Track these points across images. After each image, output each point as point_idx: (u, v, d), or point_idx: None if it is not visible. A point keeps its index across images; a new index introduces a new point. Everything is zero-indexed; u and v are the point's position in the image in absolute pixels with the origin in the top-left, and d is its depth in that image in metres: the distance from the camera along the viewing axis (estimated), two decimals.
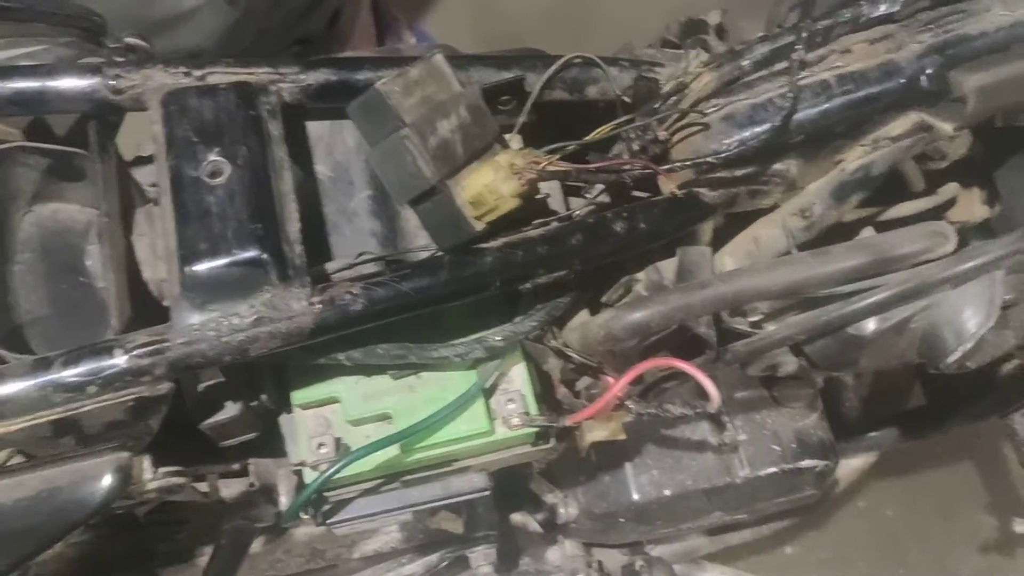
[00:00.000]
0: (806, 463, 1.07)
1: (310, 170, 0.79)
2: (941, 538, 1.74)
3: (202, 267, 0.65)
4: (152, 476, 0.68)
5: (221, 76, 0.72)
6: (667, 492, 1.06)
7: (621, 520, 1.09)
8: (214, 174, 0.67)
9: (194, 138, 0.68)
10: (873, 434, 1.32)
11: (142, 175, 0.81)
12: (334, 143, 0.80)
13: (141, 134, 0.75)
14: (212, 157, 0.67)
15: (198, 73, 0.73)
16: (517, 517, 1.26)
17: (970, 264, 0.73)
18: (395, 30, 1.92)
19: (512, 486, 1.14)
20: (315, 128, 0.80)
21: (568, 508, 1.11)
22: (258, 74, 0.73)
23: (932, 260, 0.76)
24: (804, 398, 1.10)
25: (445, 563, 1.17)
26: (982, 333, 0.77)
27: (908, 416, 1.33)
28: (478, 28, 2.08)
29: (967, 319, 0.77)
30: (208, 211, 0.66)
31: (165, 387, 0.66)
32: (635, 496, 1.06)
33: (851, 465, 1.37)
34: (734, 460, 1.07)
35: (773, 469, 1.06)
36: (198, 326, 0.65)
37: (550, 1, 2.10)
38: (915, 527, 1.76)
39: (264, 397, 0.77)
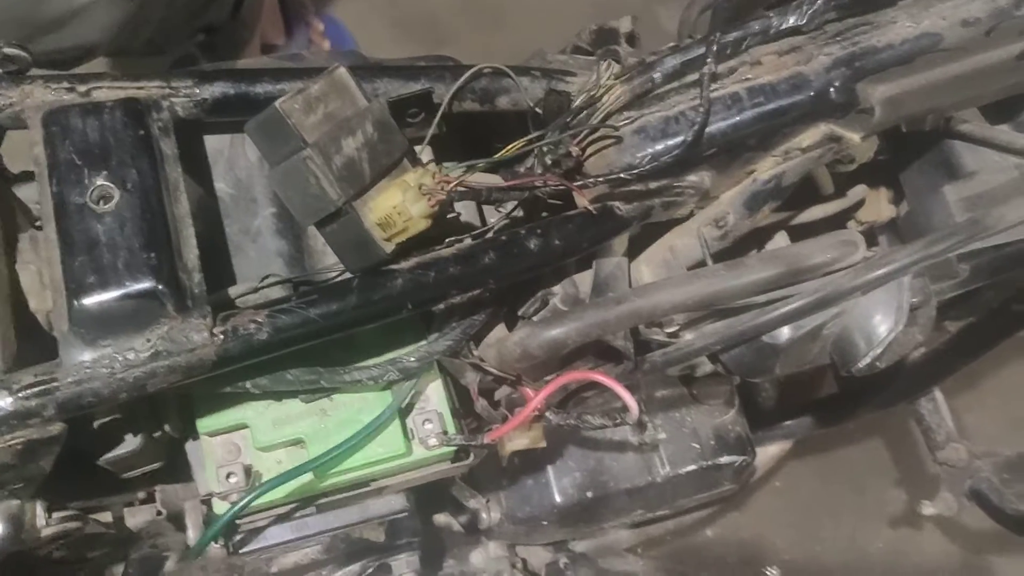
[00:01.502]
0: (725, 459, 1.09)
1: (210, 188, 0.75)
2: (853, 513, 1.80)
3: (92, 301, 0.61)
4: (46, 523, 0.64)
5: (108, 91, 0.68)
6: (589, 494, 1.06)
7: (544, 523, 1.09)
8: (101, 200, 0.63)
9: (78, 161, 0.63)
10: (788, 423, 1.35)
11: (29, 192, 0.76)
12: (235, 158, 0.76)
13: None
14: (99, 181, 0.63)
15: (82, 88, 0.68)
16: (440, 518, 1.25)
17: (879, 272, 0.74)
18: (303, 16, 1.85)
19: (435, 487, 1.13)
20: (214, 142, 0.76)
21: (490, 513, 1.11)
22: (148, 88, 0.69)
23: (843, 268, 0.76)
24: (722, 395, 1.11)
25: (367, 572, 1.15)
26: (891, 338, 0.78)
27: (821, 404, 1.36)
28: (390, 12, 2.03)
29: (877, 324, 0.79)
30: (96, 240, 0.62)
31: (56, 428, 0.62)
32: (558, 499, 1.06)
33: (768, 453, 1.40)
34: (655, 459, 1.08)
35: (693, 467, 1.07)
36: (89, 363, 0.61)
37: None
38: (829, 504, 1.81)
39: (168, 427, 0.74)
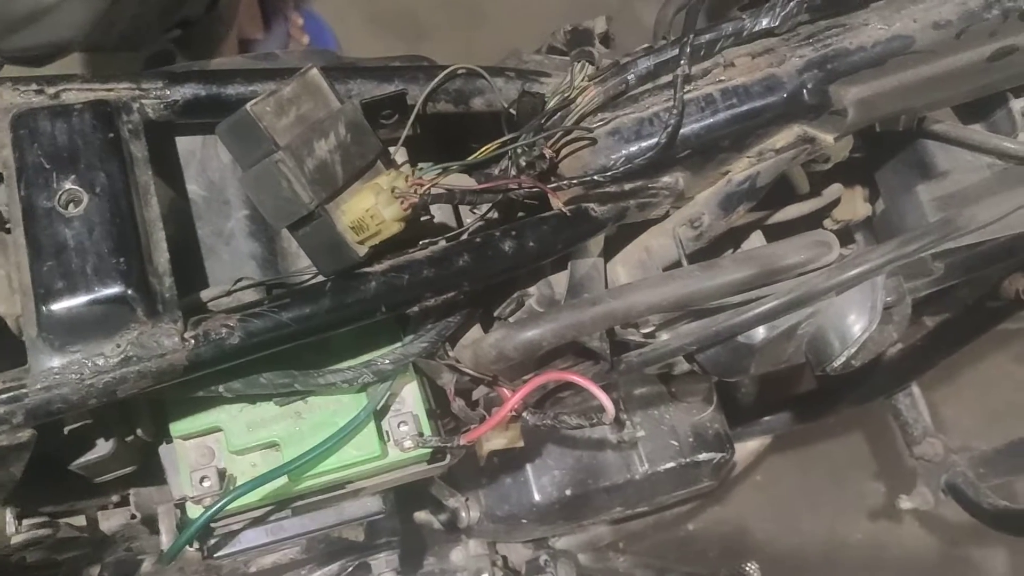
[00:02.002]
0: (703, 456, 1.09)
1: (182, 190, 0.74)
2: (833, 506, 1.82)
3: (60, 306, 0.60)
4: (16, 530, 0.64)
5: (77, 94, 0.67)
6: (568, 492, 1.07)
7: (523, 521, 1.09)
8: (70, 204, 0.62)
9: (47, 164, 0.63)
10: (767, 418, 1.36)
11: None
12: (207, 160, 0.75)
13: None
14: (67, 185, 0.62)
15: (51, 90, 0.67)
16: (421, 515, 1.25)
17: (852, 272, 0.74)
18: (282, 11, 1.84)
19: (415, 485, 1.13)
20: (186, 144, 0.75)
21: (470, 511, 1.11)
22: (118, 90, 0.68)
23: (817, 269, 0.77)
24: (700, 392, 1.11)
25: (347, 572, 1.15)
26: (865, 338, 0.79)
27: (800, 400, 1.37)
28: (370, 7, 2.02)
29: (851, 324, 0.79)
30: (65, 245, 0.61)
31: (26, 435, 0.62)
32: (536, 497, 1.07)
33: (747, 448, 1.41)
34: (633, 457, 1.08)
35: (671, 464, 1.08)
36: (58, 369, 0.60)
37: None
38: (809, 496, 1.82)
39: (140, 431, 0.73)
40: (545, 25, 1.04)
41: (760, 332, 0.79)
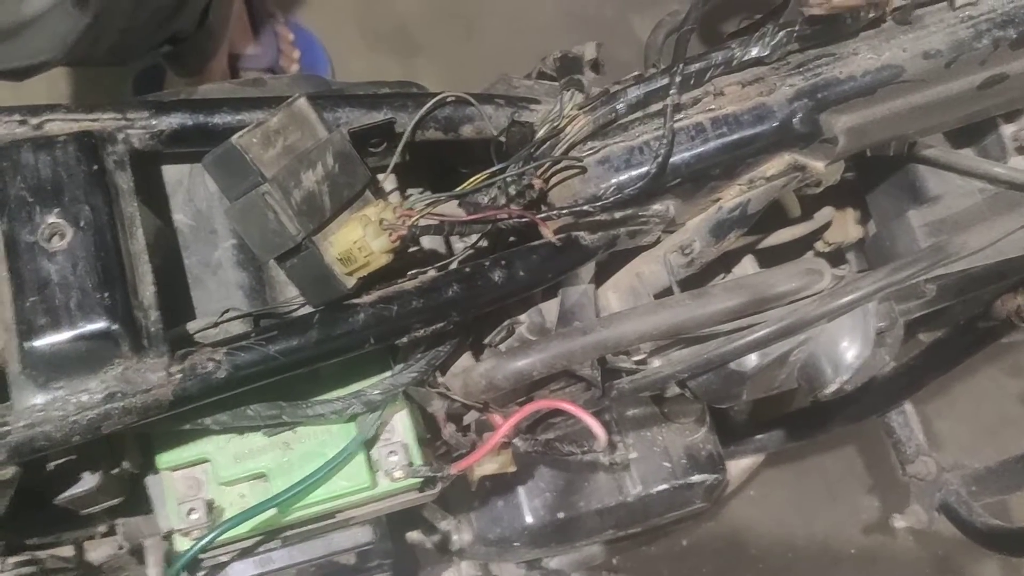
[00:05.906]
0: (696, 478, 1.08)
1: (168, 219, 0.73)
2: (827, 521, 1.81)
3: (43, 342, 0.59)
4: (1, 569, 0.63)
5: (61, 124, 0.67)
6: (560, 514, 1.06)
7: (516, 544, 1.08)
8: (53, 238, 0.61)
9: (30, 198, 0.62)
10: (760, 436, 1.35)
11: None
12: (194, 189, 0.74)
13: None
14: (51, 219, 0.62)
15: (35, 121, 0.66)
16: (413, 535, 1.24)
17: (843, 301, 0.74)
18: (272, 26, 1.83)
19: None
20: (173, 173, 0.75)
21: (462, 534, 1.10)
22: (103, 120, 0.68)
23: (808, 297, 0.76)
24: (693, 413, 1.11)
25: None
26: (859, 364, 0.78)
27: (793, 418, 1.36)
28: (362, 22, 2.01)
29: (844, 350, 0.79)
30: (48, 280, 0.60)
31: (9, 472, 0.61)
32: (529, 520, 1.06)
33: (740, 466, 1.40)
34: (626, 479, 1.07)
35: (664, 486, 1.07)
36: (42, 406, 0.60)
37: None
38: (803, 511, 1.82)
39: (126, 463, 0.72)
40: (540, 40, 1.03)
41: (752, 359, 0.78)
